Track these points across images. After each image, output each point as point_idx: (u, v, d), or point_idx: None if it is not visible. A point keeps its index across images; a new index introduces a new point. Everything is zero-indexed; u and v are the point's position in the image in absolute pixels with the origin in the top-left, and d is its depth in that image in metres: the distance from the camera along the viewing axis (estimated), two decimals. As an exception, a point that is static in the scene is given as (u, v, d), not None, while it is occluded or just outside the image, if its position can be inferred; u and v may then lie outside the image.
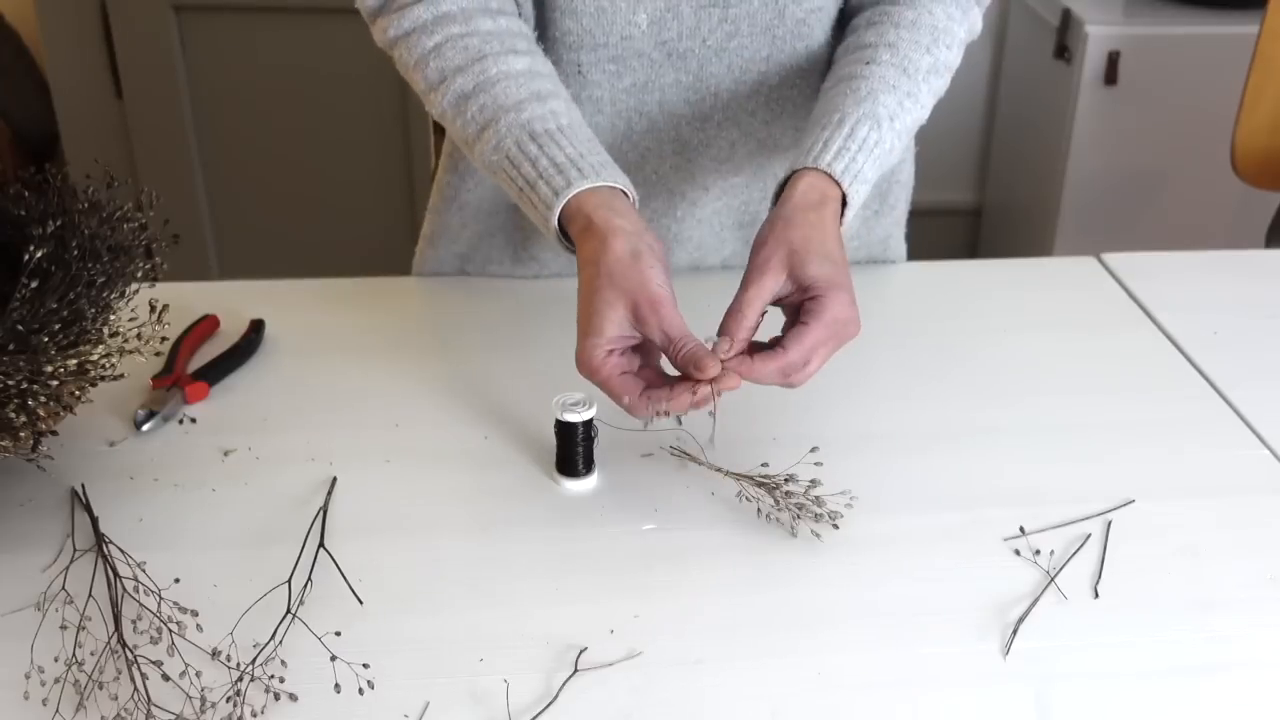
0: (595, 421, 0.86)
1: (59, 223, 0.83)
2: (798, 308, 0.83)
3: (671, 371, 0.82)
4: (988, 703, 0.71)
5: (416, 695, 0.70)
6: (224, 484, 0.87)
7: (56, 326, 0.79)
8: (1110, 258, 1.20)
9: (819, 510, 0.82)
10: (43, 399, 0.77)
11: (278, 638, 0.72)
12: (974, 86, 2.65)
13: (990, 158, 2.73)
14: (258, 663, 0.70)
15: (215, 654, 0.71)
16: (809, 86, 1.04)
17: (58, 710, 0.68)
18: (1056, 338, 1.07)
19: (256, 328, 1.03)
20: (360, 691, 0.70)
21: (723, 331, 0.81)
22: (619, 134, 1.04)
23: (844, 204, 0.88)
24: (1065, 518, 0.85)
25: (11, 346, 0.77)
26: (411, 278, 1.17)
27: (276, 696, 0.68)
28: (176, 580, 0.76)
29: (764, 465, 0.86)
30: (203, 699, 0.68)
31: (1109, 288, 1.16)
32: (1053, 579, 0.80)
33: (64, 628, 0.73)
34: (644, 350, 0.83)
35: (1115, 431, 0.94)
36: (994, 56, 2.62)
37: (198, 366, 0.99)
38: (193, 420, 0.94)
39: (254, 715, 0.67)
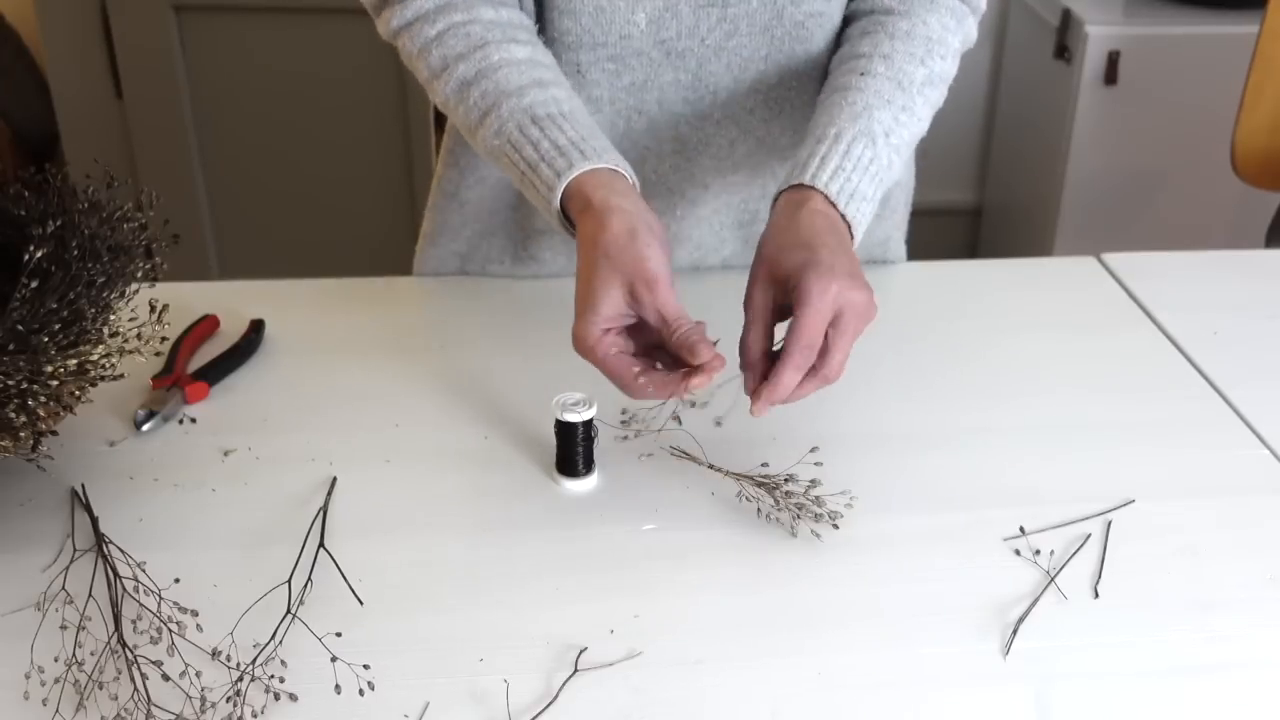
0: (595, 421, 0.86)
1: (59, 223, 0.83)
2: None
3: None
4: (988, 703, 0.71)
5: (416, 695, 0.70)
6: (224, 484, 0.87)
7: (56, 326, 0.79)
8: (1110, 258, 1.20)
9: (819, 510, 0.82)
10: (43, 399, 0.77)
11: (278, 638, 0.72)
12: (974, 86, 2.65)
13: (990, 158, 2.73)
14: (258, 663, 0.70)
15: (215, 654, 0.71)
16: (807, 87, 1.04)
17: (58, 710, 0.68)
18: (1056, 338, 1.07)
19: (256, 328, 1.03)
20: (360, 692, 0.70)
21: (743, 368, 0.81)
22: (618, 133, 1.04)
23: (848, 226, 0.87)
24: (1065, 518, 0.85)
25: (11, 346, 0.77)
26: (411, 278, 1.17)
27: (276, 696, 0.68)
28: (176, 580, 0.76)
29: (764, 465, 0.86)
30: (203, 699, 0.68)
31: (1109, 288, 1.16)
32: (1053, 579, 0.80)
33: (64, 628, 0.73)
34: (642, 331, 0.82)
35: (1115, 431, 0.94)
36: (994, 56, 2.62)
37: (198, 366, 0.99)
38: (193, 420, 0.94)
39: (254, 715, 0.67)
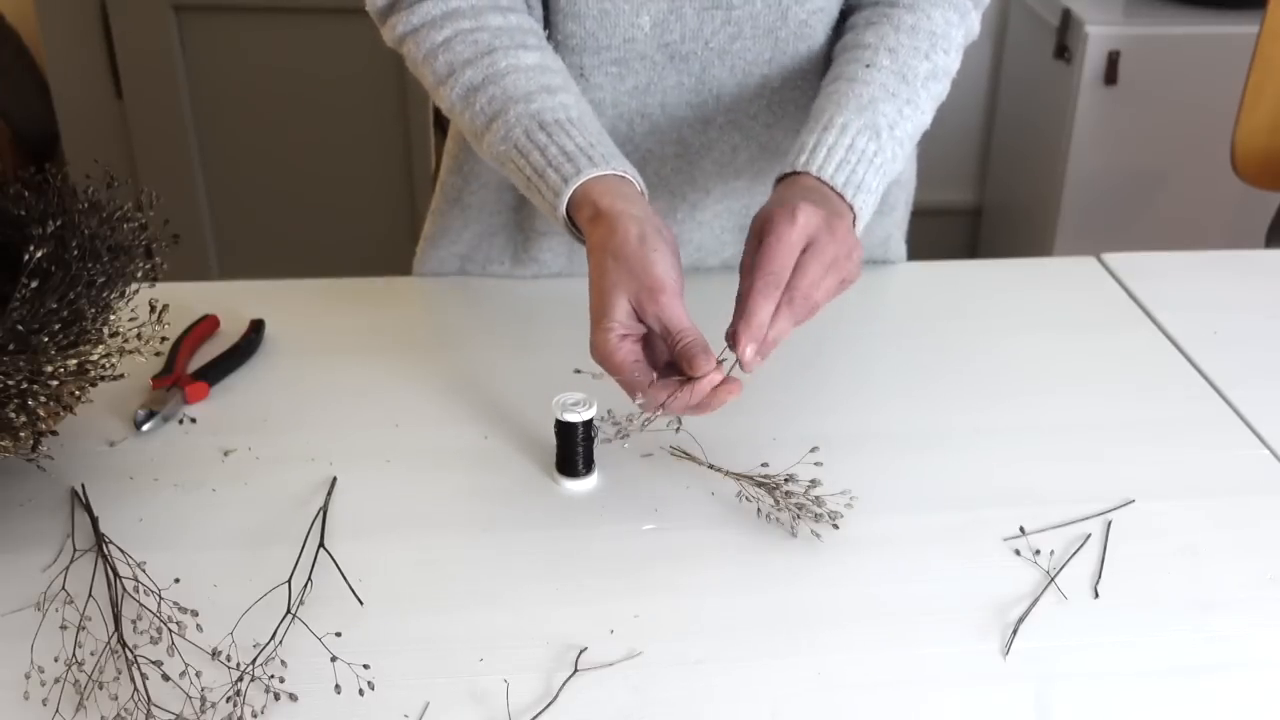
0: (595, 421, 0.86)
1: (59, 223, 0.83)
2: None
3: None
4: (988, 703, 0.71)
5: (416, 695, 0.70)
6: (224, 484, 0.87)
7: (56, 326, 0.79)
8: (1110, 258, 1.20)
9: (819, 510, 0.82)
10: (43, 399, 0.77)
11: (278, 638, 0.72)
12: (974, 86, 2.65)
13: (990, 158, 2.73)
14: (258, 663, 0.70)
15: (215, 654, 0.71)
16: (811, 89, 1.03)
17: (58, 710, 0.68)
18: (1056, 338, 1.07)
19: (256, 328, 1.03)
20: (360, 692, 0.70)
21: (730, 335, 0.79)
22: (621, 136, 1.04)
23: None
24: (1065, 518, 0.85)
25: (11, 346, 0.77)
26: (411, 278, 1.17)
27: (276, 696, 0.68)
28: (176, 580, 0.76)
29: (764, 465, 0.86)
30: (203, 699, 0.68)
31: (1109, 288, 1.16)
32: (1053, 579, 0.80)
33: (64, 628, 0.73)
34: (652, 341, 0.81)
35: (1115, 431, 0.94)
36: (994, 56, 2.62)
37: (198, 366, 0.99)
38: (193, 420, 0.94)
39: (254, 715, 0.67)
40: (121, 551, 0.79)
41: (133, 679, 0.69)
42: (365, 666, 0.70)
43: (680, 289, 0.79)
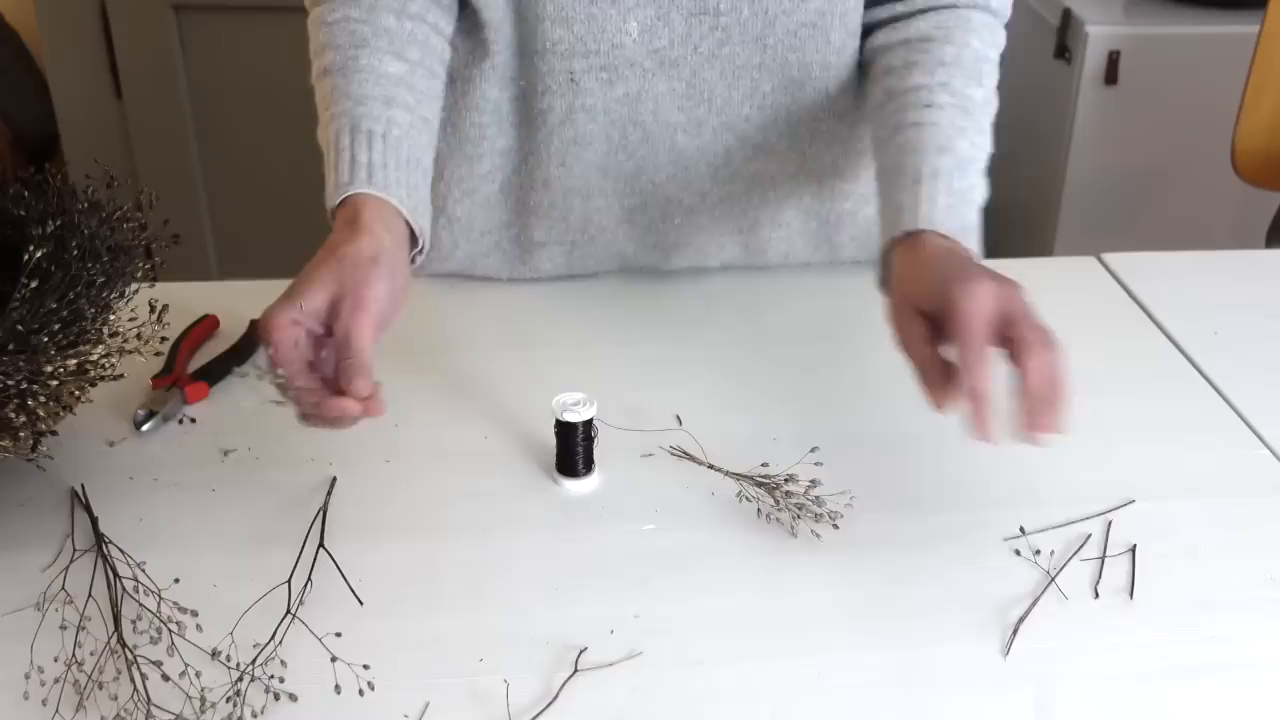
0: (595, 421, 0.86)
1: (59, 223, 0.83)
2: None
3: None
4: (988, 703, 0.71)
5: (416, 695, 0.70)
6: (224, 484, 0.87)
7: (56, 326, 0.79)
8: (1110, 258, 1.20)
9: (819, 510, 0.82)
10: (43, 399, 0.77)
11: (278, 638, 0.72)
12: (974, 86, 2.65)
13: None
14: (258, 663, 0.70)
15: (215, 654, 0.71)
16: (804, 93, 1.03)
17: (58, 710, 0.68)
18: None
19: (256, 328, 1.03)
20: (360, 692, 0.70)
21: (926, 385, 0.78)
22: (614, 144, 1.04)
23: None
24: (1065, 518, 0.85)
25: (11, 346, 0.77)
26: (411, 278, 1.17)
27: (276, 697, 0.68)
28: (176, 580, 0.76)
29: (764, 465, 0.86)
30: (203, 699, 0.68)
31: (1109, 288, 1.16)
32: (1053, 579, 0.80)
33: (64, 628, 0.73)
34: (322, 352, 0.79)
35: (1115, 431, 0.94)
36: (994, 56, 2.62)
37: (198, 366, 0.99)
38: (193, 420, 0.94)
39: (254, 715, 0.67)
40: (121, 551, 0.79)
41: (132, 679, 0.69)
42: (365, 667, 0.70)
43: (380, 322, 0.78)
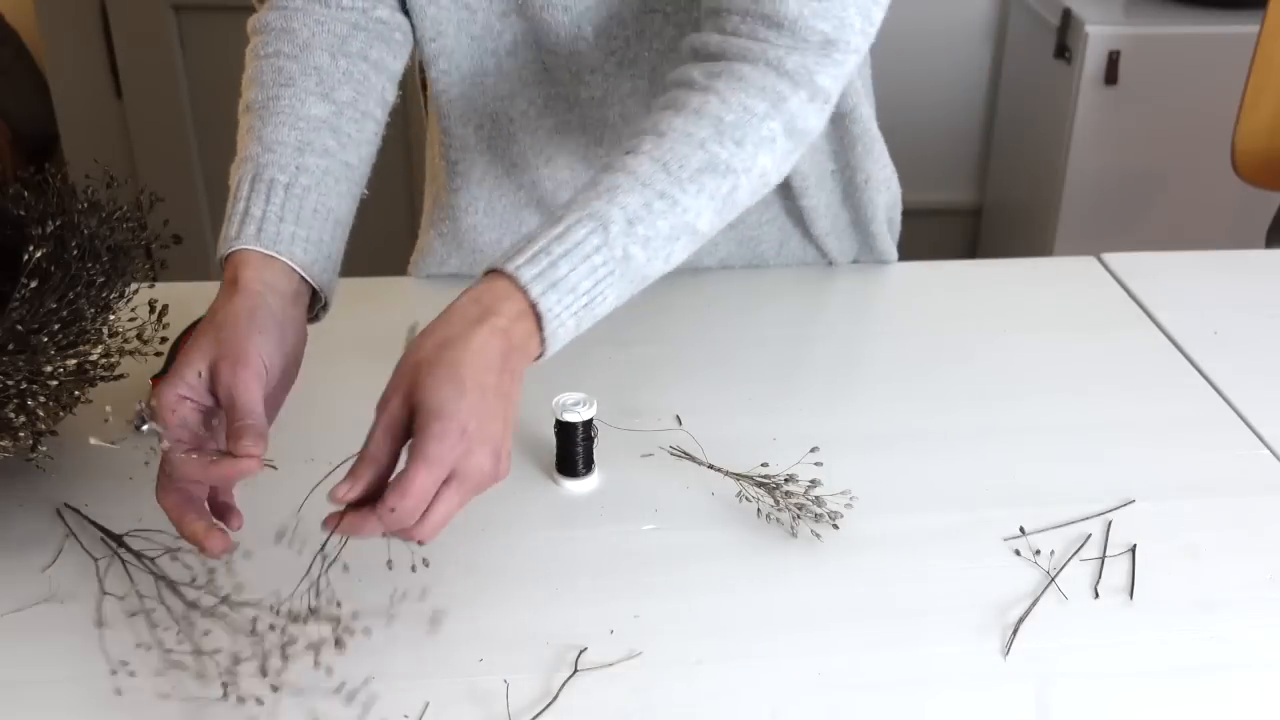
0: (595, 421, 0.86)
1: (59, 223, 0.84)
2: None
3: None
4: (988, 703, 0.71)
5: (416, 695, 0.70)
6: (224, 484, 0.87)
7: (56, 326, 0.79)
8: (1110, 258, 1.20)
9: (819, 510, 0.82)
10: (42, 399, 0.77)
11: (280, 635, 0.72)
12: (974, 86, 2.65)
13: (990, 158, 2.73)
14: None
15: (216, 653, 0.71)
16: None
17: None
18: (1056, 338, 1.07)
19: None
20: (360, 692, 0.70)
21: (350, 474, 0.72)
22: (596, 159, 1.03)
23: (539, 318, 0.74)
24: (1065, 518, 0.85)
25: (11, 346, 0.77)
26: (411, 278, 1.17)
27: (275, 689, 0.68)
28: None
29: (764, 465, 0.86)
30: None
31: (1109, 288, 1.16)
32: (1053, 579, 0.80)
33: (59, 629, 0.73)
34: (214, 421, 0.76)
35: (1115, 431, 0.94)
36: (994, 56, 2.62)
37: (198, 366, 0.98)
38: (193, 420, 0.94)
39: (254, 716, 0.67)
40: (122, 551, 0.79)
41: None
42: (365, 667, 0.70)
43: (266, 377, 0.74)
